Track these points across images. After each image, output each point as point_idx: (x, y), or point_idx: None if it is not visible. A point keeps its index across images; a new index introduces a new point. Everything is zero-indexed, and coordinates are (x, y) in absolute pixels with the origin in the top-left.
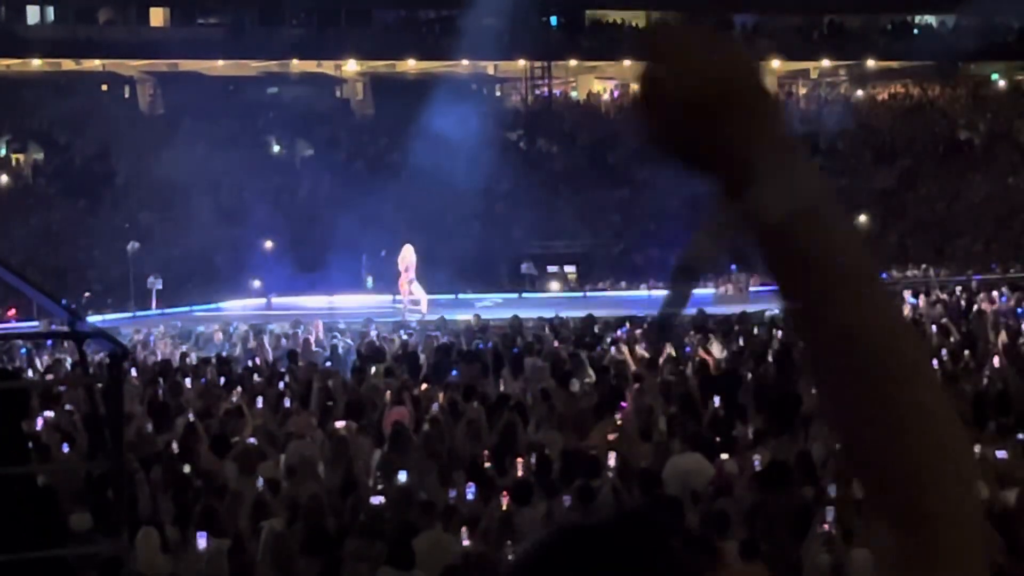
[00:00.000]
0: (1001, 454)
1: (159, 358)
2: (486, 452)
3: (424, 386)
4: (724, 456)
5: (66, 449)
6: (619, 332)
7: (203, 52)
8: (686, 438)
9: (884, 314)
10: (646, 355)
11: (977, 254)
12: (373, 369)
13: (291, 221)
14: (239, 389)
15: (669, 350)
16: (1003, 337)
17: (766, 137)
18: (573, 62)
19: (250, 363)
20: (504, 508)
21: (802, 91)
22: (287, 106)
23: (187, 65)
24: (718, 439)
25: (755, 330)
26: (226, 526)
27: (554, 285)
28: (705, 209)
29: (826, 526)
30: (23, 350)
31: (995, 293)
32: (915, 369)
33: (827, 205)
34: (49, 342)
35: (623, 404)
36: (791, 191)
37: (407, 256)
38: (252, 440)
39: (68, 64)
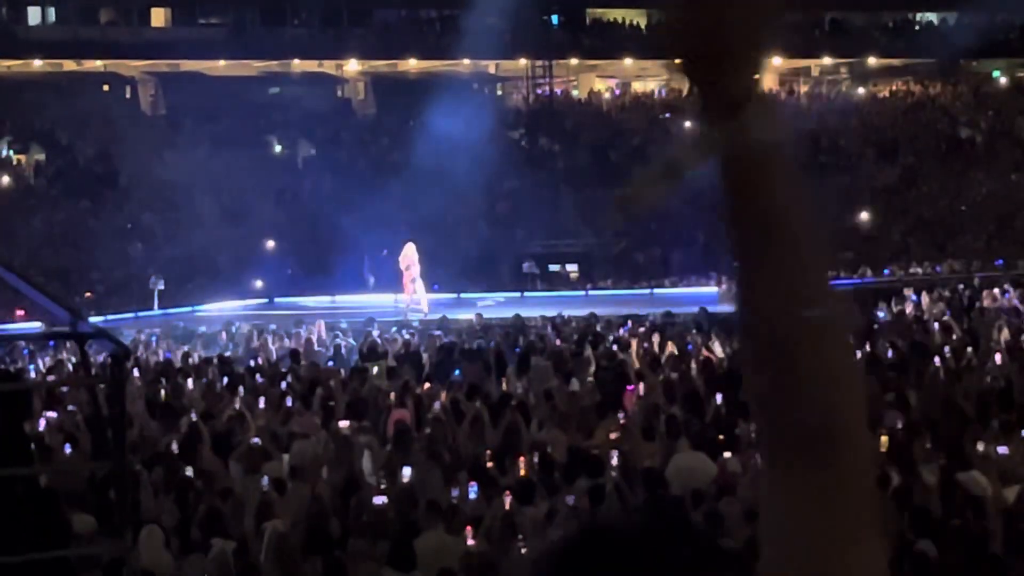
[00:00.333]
0: (1003, 450)
1: (161, 358)
2: (488, 452)
3: (427, 385)
4: (727, 455)
5: (68, 450)
6: (621, 331)
7: (204, 52)
8: (689, 437)
9: (811, 241)
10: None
11: (979, 251)
12: (375, 369)
13: (293, 221)
14: (241, 390)
15: (672, 349)
16: (1006, 334)
17: (756, 77)
18: (575, 61)
19: (252, 363)
20: (507, 508)
21: (804, 89)
22: (289, 106)
23: (188, 65)
24: (721, 437)
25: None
26: (230, 527)
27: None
28: (706, 210)
29: None
30: (25, 351)
31: (997, 290)
32: (831, 293)
33: (785, 145)
34: (51, 343)
35: (626, 403)
36: (773, 123)
37: (409, 255)
38: (256, 440)
39: (70, 65)
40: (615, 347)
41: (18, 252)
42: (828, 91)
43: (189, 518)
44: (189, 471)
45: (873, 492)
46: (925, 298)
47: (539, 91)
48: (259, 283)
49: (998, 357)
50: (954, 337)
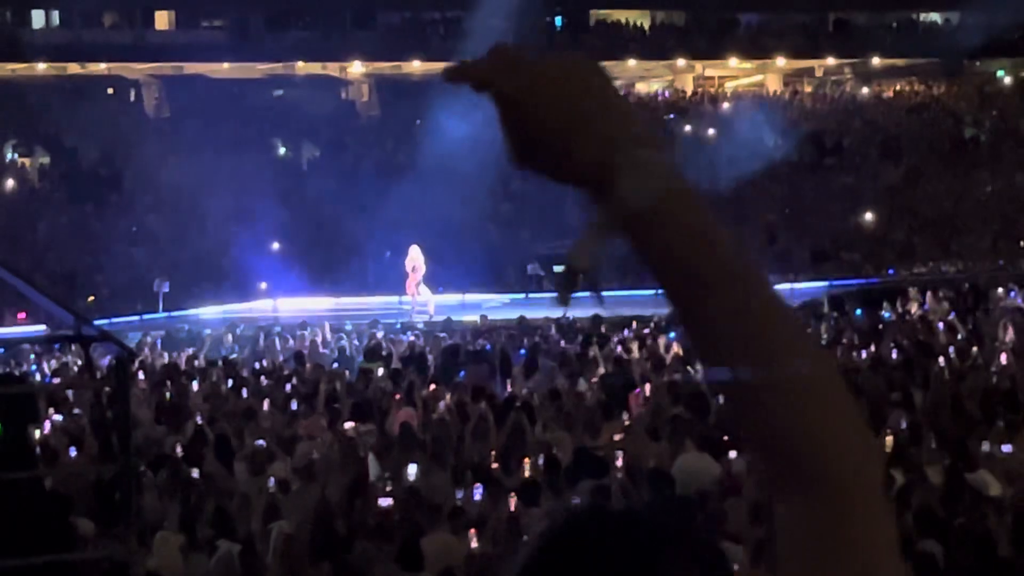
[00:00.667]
0: (1007, 448)
1: (167, 361)
2: (494, 453)
3: (432, 387)
4: (732, 454)
5: (73, 453)
6: (626, 332)
7: (208, 55)
8: (693, 437)
9: (752, 293)
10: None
11: (984, 251)
12: (380, 371)
13: (298, 223)
14: (245, 392)
15: (676, 349)
16: (1011, 334)
17: (617, 137)
18: None
19: (257, 365)
20: (512, 509)
21: (808, 89)
22: (293, 108)
23: (192, 68)
24: (726, 438)
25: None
26: (236, 528)
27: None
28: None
29: None
30: (30, 354)
31: (1002, 290)
32: (793, 344)
33: (682, 197)
34: (56, 346)
35: (631, 404)
36: (646, 184)
37: (414, 257)
38: (261, 442)
39: (74, 68)
40: (620, 348)
41: (23, 255)
42: (832, 91)
43: (195, 520)
44: (195, 473)
45: (888, 531)
46: (930, 298)
47: None
48: (264, 285)
49: (1003, 357)
50: (959, 337)
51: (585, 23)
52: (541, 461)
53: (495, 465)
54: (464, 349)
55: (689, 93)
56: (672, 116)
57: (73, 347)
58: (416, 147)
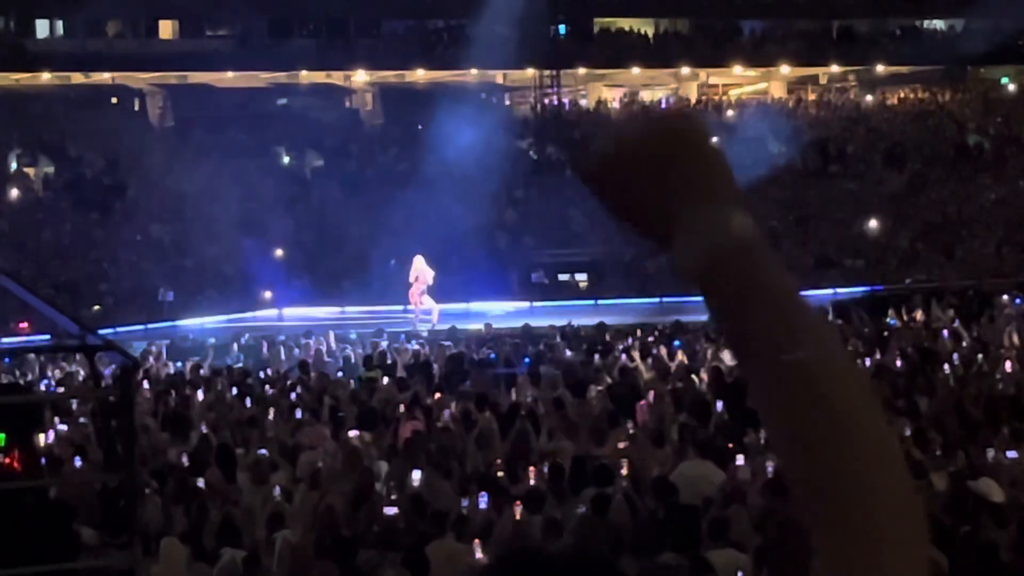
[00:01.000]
0: (1012, 454)
1: (172, 370)
2: (499, 461)
3: (437, 395)
4: (739, 461)
5: (78, 462)
6: (630, 340)
7: (212, 64)
8: (696, 445)
9: (814, 345)
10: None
11: (988, 258)
12: (385, 379)
13: (302, 231)
14: (250, 401)
15: (681, 358)
16: (1015, 340)
17: (684, 192)
18: (582, 70)
19: (262, 374)
20: (517, 517)
21: (812, 96)
22: (297, 117)
23: (196, 77)
24: (730, 445)
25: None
26: (241, 537)
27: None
28: None
29: None
30: (35, 364)
31: (1007, 296)
32: (851, 394)
33: (742, 253)
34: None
35: (636, 412)
36: (703, 246)
37: (418, 267)
38: (263, 451)
39: (78, 77)
40: (624, 356)
41: (27, 264)
42: (836, 98)
43: (199, 528)
44: (200, 482)
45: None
46: (934, 305)
47: (547, 101)
48: (268, 294)
49: (1008, 364)
50: (964, 344)
51: (589, 31)
52: (546, 469)
53: (500, 473)
54: (469, 358)
55: (693, 101)
56: None
57: (78, 356)
58: (420, 155)
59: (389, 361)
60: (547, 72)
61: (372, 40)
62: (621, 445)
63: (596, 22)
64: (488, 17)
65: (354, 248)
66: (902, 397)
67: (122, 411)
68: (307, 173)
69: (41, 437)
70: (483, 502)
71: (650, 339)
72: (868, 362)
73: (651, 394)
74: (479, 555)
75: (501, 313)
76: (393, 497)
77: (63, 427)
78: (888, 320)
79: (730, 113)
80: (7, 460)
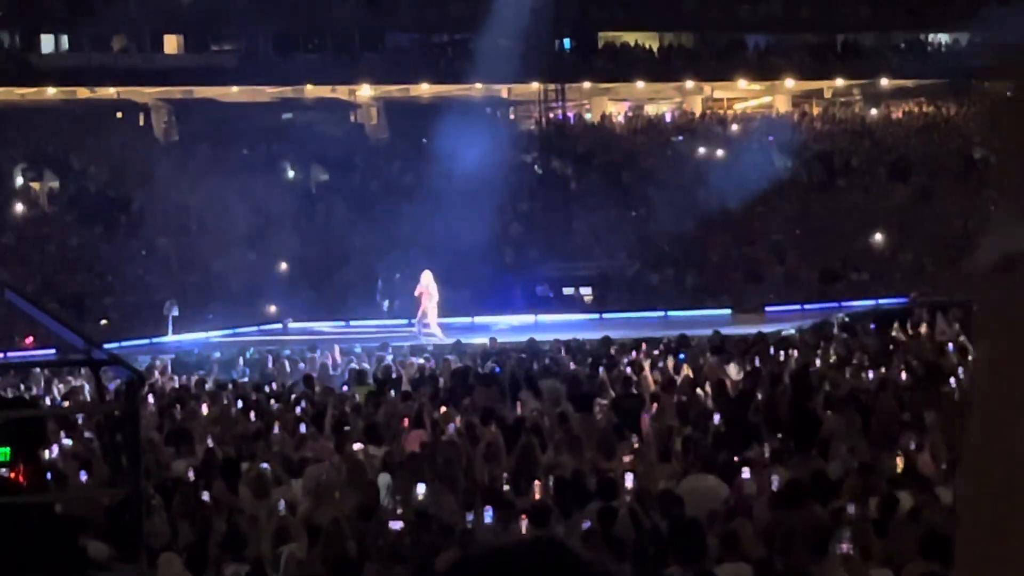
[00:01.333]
0: None
1: (177, 384)
2: (504, 475)
3: (443, 409)
4: (745, 475)
5: (84, 477)
6: (635, 354)
7: (217, 79)
8: (701, 458)
9: None
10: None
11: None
12: (392, 392)
13: (307, 246)
14: (253, 415)
15: (686, 371)
16: None
17: None
18: (587, 84)
19: (267, 388)
20: (523, 531)
21: (817, 110)
22: (302, 131)
23: (201, 92)
24: (735, 459)
25: (771, 350)
26: (245, 551)
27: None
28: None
29: (844, 546)
30: (41, 378)
31: None
32: None
33: None
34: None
35: (642, 426)
36: None
37: (425, 283)
38: (265, 466)
39: (83, 92)
40: (629, 370)
41: (33, 278)
42: (841, 112)
43: (204, 543)
44: (205, 496)
45: None
46: (940, 319)
47: (551, 115)
48: (273, 308)
49: None
50: (970, 358)
51: (594, 45)
52: (551, 483)
53: (505, 487)
54: (474, 372)
55: (698, 114)
56: (681, 137)
57: (83, 370)
58: (425, 169)
59: (394, 375)
60: (552, 86)
61: (377, 54)
62: (626, 459)
63: (600, 36)
64: (493, 31)
65: (359, 262)
66: (908, 411)
67: (127, 425)
68: (312, 187)
69: (46, 452)
70: (488, 516)
71: (655, 352)
72: (873, 375)
73: (654, 407)
74: None
75: (506, 327)
76: (398, 511)
77: (68, 441)
78: (893, 334)
79: (735, 127)
80: (12, 475)
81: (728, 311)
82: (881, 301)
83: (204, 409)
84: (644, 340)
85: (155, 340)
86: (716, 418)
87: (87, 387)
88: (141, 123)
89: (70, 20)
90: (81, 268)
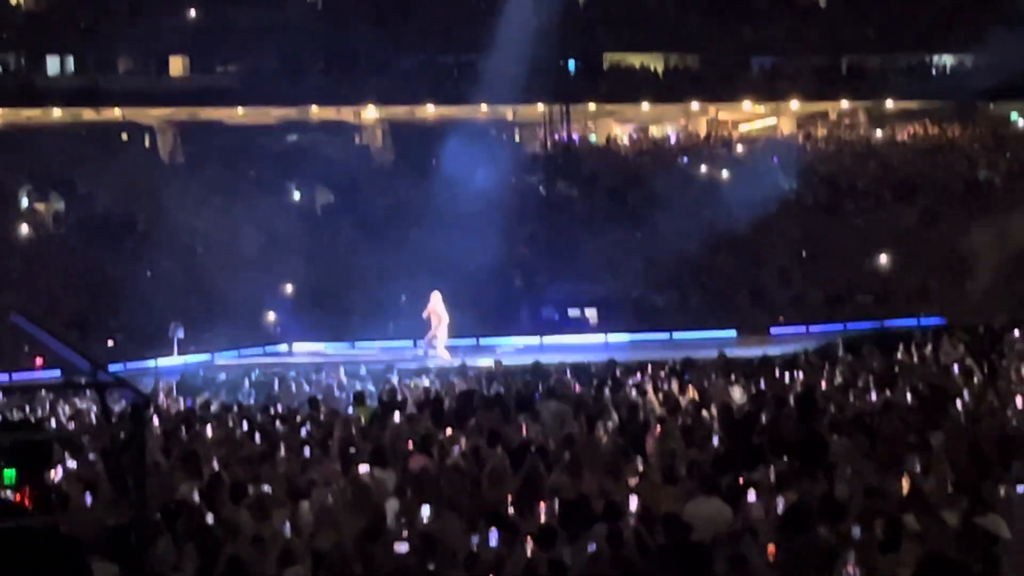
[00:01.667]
0: (1022, 489)
1: (182, 406)
2: (509, 497)
3: (448, 431)
4: (751, 498)
5: (89, 499)
6: (640, 376)
7: (223, 100)
8: (706, 481)
9: None
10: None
11: (999, 293)
12: (396, 415)
13: (312, 267)
14: (258, 437)
15: (692, 394)
16: None
17: None
18: (592, 106)
19: (272, 410)
20: (528, 554)
21: (822, 132)
22: (307, 153)
23: (207, 113)
24: (741, 481)
25: (777, 372)
26: (250, 574)
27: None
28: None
29: (849, 568)
30: (46, 400)
31: (1018, 332)
32: None
33: None
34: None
35: (647, 448)
36: None
37: (434, 304)
38: (266, 488)
39: (88, 114)
40: (634, 392)
41: (38, 300)
42: (846, 134)
43: (210, 566)
44: (210, 519)
45: None
46: (945, 341)
47: (557, 136)
48: (278, 330)
49: (1019, 400)
50: (975, 380)
51: (599, 67)
52: (557, 505)
53: (511, 509)
54: (479, 394)
55: (703, 136)
56: (686, 159)
57: (88, 392)
58: (430, 191)
59: (399, 397)
60: (557, 108)
61: (382, 76)
62: (632, 481)
63: (606, 58)
64: (498, 53)
65: (364, 283)
66: (913, 433)
67: (133, 448)
68: (318, 209)
69: (51, 473)
70: (494, 539)
71: (661, 374)
72: (878, 397)
73: (657, 428)
74: None
75: (511, 349)
76: (404, 534)
77: (73, 464)
78: (899, 356)
79: (740, 148)
80: (18, 497)
81: (733, 333)
82: (887, 323)
83: (209, 431)
84: (649, 362)
85: (160, 362)
86: (715, 440)
87: (92, 409)
88: (147, 145)
89: (76, 42)
90: (86, 290)
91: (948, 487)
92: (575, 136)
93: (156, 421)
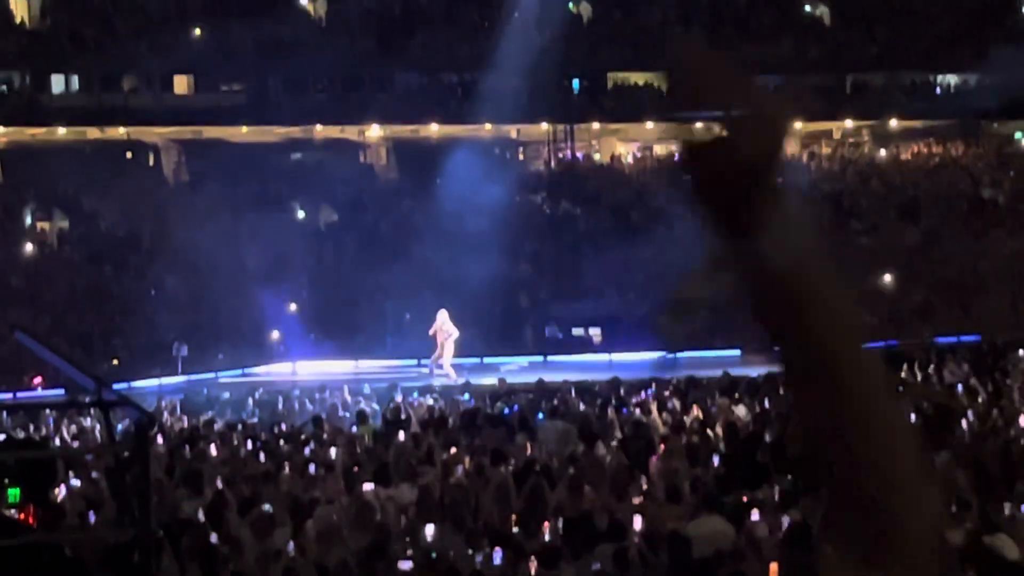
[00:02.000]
0: None
1: (186, 425)
2: (513, 516)
3: (453, 450)
4: (754, 516)
5: (93, 518)
6: (643, 395)
7: (227, 119)
8: (709, 500)
9: (858, 349)
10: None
11: (1003, 312)
12: (401, 434)
13: (316, 286)
14: (262, 456)
15: (696, 412)
16: None
17: (772, 189)
18: (596, 125)
19: (276, 429)
20: (532, 573)
21: (826, 151)
22: (311, 171)
23: (211, 132)
24: (745, 500)
25: (781, 391)
26: None
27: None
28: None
29: None
30: (50, 418)
31: (1022, 351)
32: (880, 393)
33: (819, 258)
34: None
35: (651, 467)
36: (793, 242)
37: (439, 322)
38: (267, 507)
39: (93, 132)
40: (638, 411)
41: (42, 318)
42: (850, 153)
43: None
44: (214, 538)
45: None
46: (949, 360)
47: (560, 155)
48: (282, 348)
49: (1023, 419)
50: (980, 399)
51: (603, 86)
52: (560, 524)
53: (515, 528)
54: (483, 413)
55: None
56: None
57: (93, 411)
58: (434, 210)
59: (403, 416)
60: (561, 126)
61: (386, 95)
62: (636, 500)
63: (609, 76)
64: (501, 72)
65: (368, 302)
66: None
67: (137, 466)
68: (322, 227)
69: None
70: (497, 558)
71: (665, 393)
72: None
73: (662, 447)
74: None
75: (515, 368)
76: (408, 552)
77: (76, 482)
78: (903, 375)
79: None
80: (23, 515)
81: (738, 352)
82: (891, 342)
83: (213, 450)
84: (653, 380)
85: (164, 380)
86: (715, 459)
87: (97, 427)
88: (151, 163)
89: (80, 60)
90: (91, 308)
91: (952, 506)
92: (579, 155)
93: (160, 439)
